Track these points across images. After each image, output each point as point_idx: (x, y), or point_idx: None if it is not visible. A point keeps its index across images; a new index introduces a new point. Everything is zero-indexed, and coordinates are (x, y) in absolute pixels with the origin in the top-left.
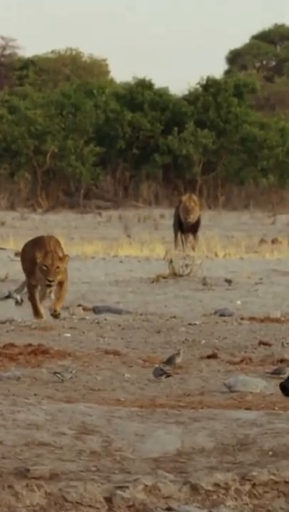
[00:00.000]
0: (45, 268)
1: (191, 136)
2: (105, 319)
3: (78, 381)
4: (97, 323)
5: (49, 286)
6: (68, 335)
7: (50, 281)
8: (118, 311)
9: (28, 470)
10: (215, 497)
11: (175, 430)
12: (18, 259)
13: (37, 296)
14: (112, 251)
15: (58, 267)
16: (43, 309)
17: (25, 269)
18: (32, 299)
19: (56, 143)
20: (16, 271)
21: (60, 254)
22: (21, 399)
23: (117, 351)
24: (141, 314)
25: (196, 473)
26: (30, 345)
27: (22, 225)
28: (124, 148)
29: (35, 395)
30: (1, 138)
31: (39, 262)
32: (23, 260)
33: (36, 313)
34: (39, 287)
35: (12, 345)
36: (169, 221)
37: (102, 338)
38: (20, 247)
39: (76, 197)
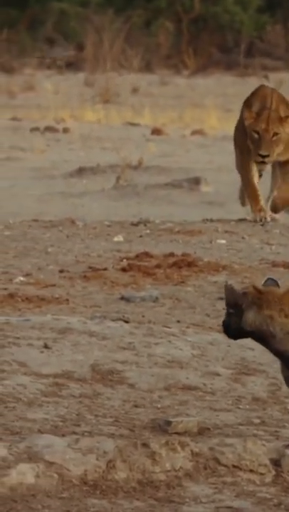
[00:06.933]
0: (256, 135)
1: None
2: (273, 219)
3: None
4: (262, 225)
5: (262, 163)
6: (223, 241)
7: (262, 156)
8: None
9: (168, 423)
10: None
11: None
12: (155, 138)
13: (255, 180)
14: None
15: (275, 134)
16: (264, 202)
17: (235, 140)
18: (248, 185)
19: None
20: (153, 154)
21: (283, 114)
22: (160, 327)
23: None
24: None
25: None
26: (171, 254)
27: (161, 92)
28: None
29: (179, 321)
30: None
31: (248, 125)
32: (236, 128)
33: (256, 207)
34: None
35: (147, 254)
36: None
37: (269, 246)
38: (158, 121)
39: (235, 54)
